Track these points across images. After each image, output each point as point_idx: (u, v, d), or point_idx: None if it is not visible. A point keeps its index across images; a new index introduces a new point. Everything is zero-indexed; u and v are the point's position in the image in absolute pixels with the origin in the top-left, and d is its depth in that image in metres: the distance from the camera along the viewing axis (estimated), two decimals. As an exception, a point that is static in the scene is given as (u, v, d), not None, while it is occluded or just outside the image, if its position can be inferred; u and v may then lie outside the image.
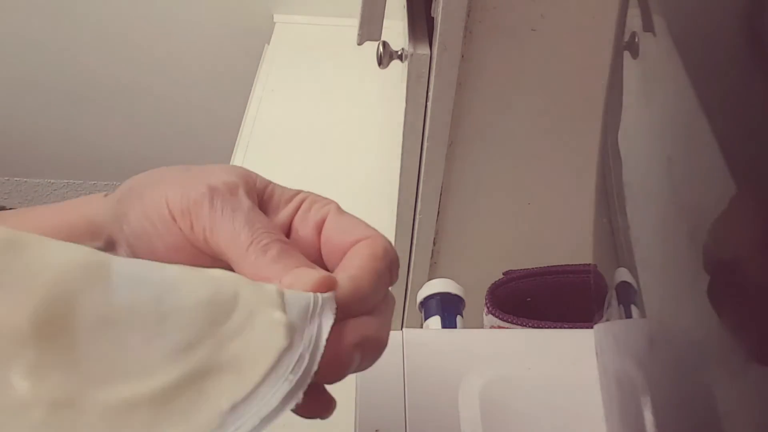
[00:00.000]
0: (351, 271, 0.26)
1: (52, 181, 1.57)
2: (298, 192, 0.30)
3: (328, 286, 0.25)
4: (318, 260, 0.29)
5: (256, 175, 0.30)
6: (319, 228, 0.29)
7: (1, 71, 1.37)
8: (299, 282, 0.25)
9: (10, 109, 1.43)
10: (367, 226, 0.29)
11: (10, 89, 1.40)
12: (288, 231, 0.30)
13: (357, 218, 0.29)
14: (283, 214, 0.29)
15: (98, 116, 1.45)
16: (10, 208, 0.36)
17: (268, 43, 1.29)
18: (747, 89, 0.19)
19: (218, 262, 0.27)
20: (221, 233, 0.27)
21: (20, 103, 1.42)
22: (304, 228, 0.29)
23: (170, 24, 1.30)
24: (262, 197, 0.30)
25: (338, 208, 0.30)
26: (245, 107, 1.19)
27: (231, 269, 0.27)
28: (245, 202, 0.28)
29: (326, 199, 0.30)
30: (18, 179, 1.56)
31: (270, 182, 0.31)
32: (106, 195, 0.31)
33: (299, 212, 0.30)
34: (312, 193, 0.31)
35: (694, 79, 0.23)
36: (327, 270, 0.27)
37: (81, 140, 1.49)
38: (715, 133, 0.21)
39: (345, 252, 0.28)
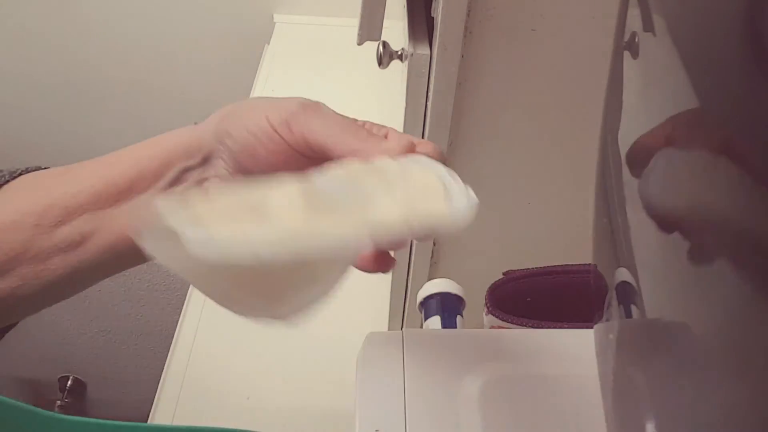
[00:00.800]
0: (427, 148, 0.36)
1: (52, 181, 1.57)
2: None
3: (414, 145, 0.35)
4: None
5: None
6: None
7: (1, 71, 1.37)
8: (402, 141, 0.34)
9: (10, 109, 1.43)
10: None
11: (10, 89, 1.40)
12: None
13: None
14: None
15: (98, 116, 1.45)
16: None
17: (268, 43, 1.29)
18: (747, 89, 0.19)
19: (311, 160, 0.35)
20: (319, 129, 0.35)
21: (20, 103, 1.42)
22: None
23: (170, 24, 1.30)
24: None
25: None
26: (245, 107, 1.19)
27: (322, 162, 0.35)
28: (331, 110, 0.36)
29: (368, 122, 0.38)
30: (18, 179, 1.56)
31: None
32: (196, 123, 0.39)
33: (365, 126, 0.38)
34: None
35: (694, 79, 0.23)
36: None
37: (81, 140, 1.49)
38: (715, 132, 0.21)
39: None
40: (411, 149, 0.35)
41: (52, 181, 0.38)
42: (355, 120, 0.37)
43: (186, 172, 0.38)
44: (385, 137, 0.37)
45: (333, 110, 0.36)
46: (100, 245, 0.36)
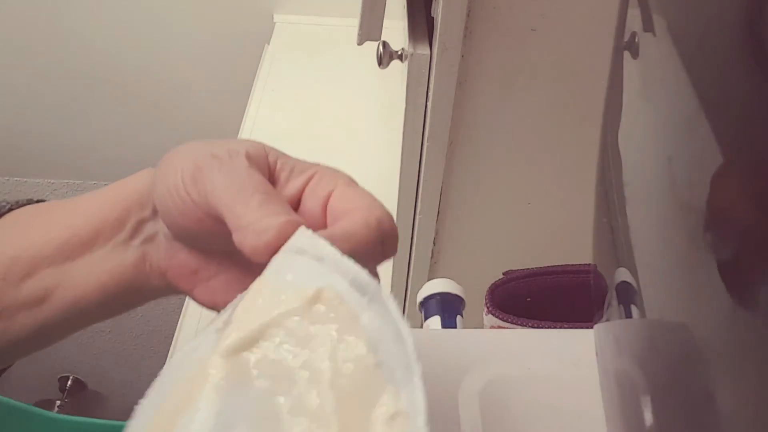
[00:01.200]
0: (335, 230, 0.26)
1: (52, 181, 1.57)
2: (313, 165, 0.31)
3: (295, 225, 0.26)
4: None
5: (271, 148, 0.31)
6: (326, 201, 0.29)
7: (1, 71, 1.37)
8: (270, 222, 0.26)
9: (10, 109, 1.43)
10: (372, 198, 0.28)
11: (10, 89, 1.40)
12: (297, 203, 0.30)
13: (365, 191, 0.29)
14: (292, 186, 0.30)
15: (98, 116, 1.45)
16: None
17: (268, 43, 1.29)
18: (747, 89, 0.19)
19: (222, 224, 0.28)
20: (219, 188, 0.28)
21: (20, 103, 1.42)
22: (312, 200, 0.30)
23: (170, 24, 1.30)
24: (274, 168, 0.30)
25: (348, 181, 0.30)
26: (245, 107, 1.19)
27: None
28: (242, 163, 0.29)
29: (339, 172, 0.30)
30: (18, 179, 1.56)
31: (286, 156, 0.31)
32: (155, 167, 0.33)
33: (309, 185, 0.30)
34: (327, 167, 0.31)
35: (694, 79, 0.23)
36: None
37: (81, 140, 1.49)
38: (715, 133, 0.21)
39: (345, 213, 0.28)
40: (282, 235, 0.26)
41: (21, 230, 0.36)
42: (260, 182, 0.28)
43: (141, 223, 0.34)
44: (305, 184, 0.30)
45: (247, 165, 0.29)
46: (63, 301, 0.34)
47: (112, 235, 0.34)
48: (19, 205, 0.38)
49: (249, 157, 0.29)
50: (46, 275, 0.34)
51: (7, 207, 0.38)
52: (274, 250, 0.26)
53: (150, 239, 0.34)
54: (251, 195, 0.27)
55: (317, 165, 0.31)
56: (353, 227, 0.27)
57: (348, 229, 0.26)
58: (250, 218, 0.26)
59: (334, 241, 0.25)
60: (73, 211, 0.35)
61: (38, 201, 0.39)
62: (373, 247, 0.27)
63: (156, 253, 0.35)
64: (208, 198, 0.28)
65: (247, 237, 0.26)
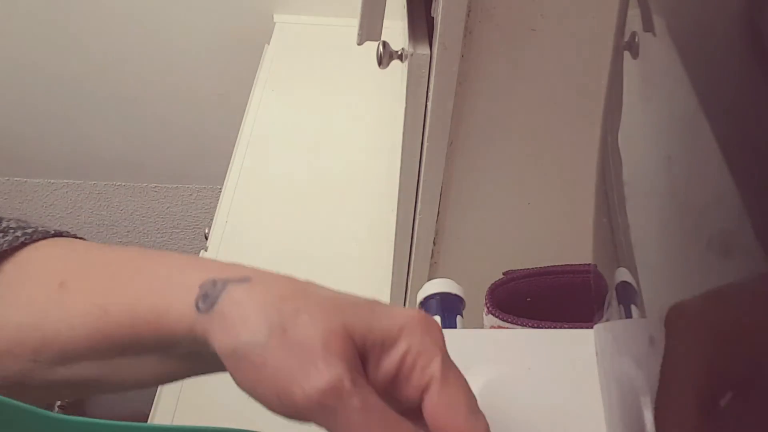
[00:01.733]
0: None
1: (52, 181, 1.57)
2: (400, 332, 0.28)
3: None
4: (419, 415, 0.28)
5: (356, 321, 0.28)
6: (422, 390, 0.28)
7: (1, 71, 1.37)
8: None
9: (10, 110, 1.43)
10: (471, 406, 0.28)
11: (10, 89, 1.40)
12: (391, 383, 0.28)
13: (460, 388, 0.28)
14: (386, 368, 0.28)
15: (98, 116, 1.45)
16: (74, 235, 0.34)
17: (268, 43, 1.29)
18: (747, 89, 0.19)
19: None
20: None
21: (20, 103, 1.42)
22: (407, 388, 0.28)
23: (170, 24, 1.30)
24: (362, 347, 0.28)
25: (441, 367, 0.28)
26: (245, 107, 1.19)
27: None
28: (359, 402, 0.26)
29: (428, 349, 0.28)
30: (18, 179, 1.56)
31: (369, 325, 0.28)
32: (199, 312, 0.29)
33: (403, 369, 0.28)
34: (413, 337, 0.28)
35: (694, 79, 0.23)
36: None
37: (81, 140, 1.49)
38: (715, 133, 0.21)
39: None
40: None
41: (44, 298, 0.31)
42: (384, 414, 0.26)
43: (195, 353, 0.30)
44: (400, 364, 0.28)
45: (352, 369, 0.26)
46: (117, 386, 0.32)
47: (159, 351, 0.31)
48: (38, 236, 0.33)
49: (353, 380, 0.26)
50: (85, 367, 0.31)
51: (21, 237, 0.33)
52: None
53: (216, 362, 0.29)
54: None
55: (404, 330, 0.28)
56: None
57: None
58: None
59: None
60: (102, 306, 0.30)
61: (61, 234, 0.34)
62: None
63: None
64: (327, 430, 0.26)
65: None
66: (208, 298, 0.28)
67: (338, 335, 0.27)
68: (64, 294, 0.31)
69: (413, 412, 0.28)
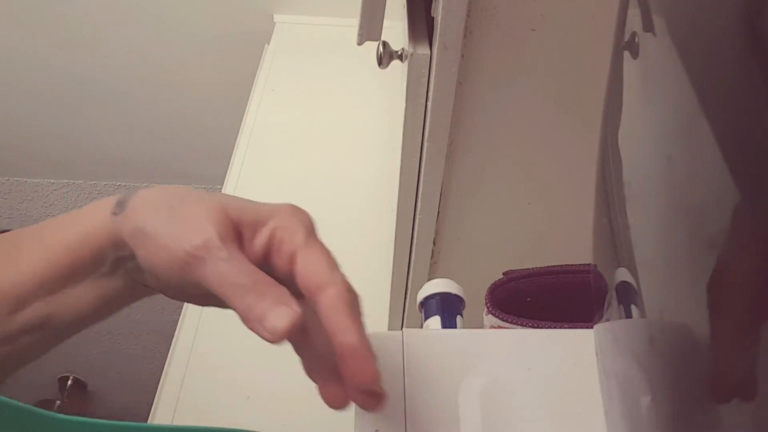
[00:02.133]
0: (347, 335, 0.32)
1: (52, 181, 1.57)
2: (270, 215, 0.35)
3: (295, 317, 0.32)
4: (293, 282, 0.34)
5: (228, 202, 0.35)
6: (291, 259, 0.34)
7: (2, 72, 1.37)
8: (275, 322, 0.31)
9: (10, 110, 1.43)
10: (331, 265, 0.34)
11: (9, 89, 1.40)
12: (264, 257, 0.35)
13: (322, 252, 0.34)
14: (258, 244, 0.35)
15: (98, 116, 1.45)
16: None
17: (268, 43, 1.29)
18: (747, 89, 0.19)
19: (211, 297, 0.33)
20: (212, 285, 0.32)
21: (20, 103, 1.42)
22: (279, 260, 0.34)
23: (170, 24, 1.30)
24: (238, 226, 0.35)
25: (305, 238, 0.34)
26: (245, 107, 1.19)
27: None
28: (223, 255, 0.32)
29: (294, 225, 0.35)
30: (18, 179, 1.56)
31: (242, 207, 0.35)
32: (115, 214, 0.36)
33: (274, 242, 0.35)
34: (284, 215, 0.35)
35: (694, 79, 0.23)
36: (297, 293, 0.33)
37: (81, 140, 1.49)
38: (715, 132, 0.21)
39: (315, 290, 0.33)
40: (289, 329, 0.31)
41: None
42: (249, 267, 0.33)
43: (120, 260, 0.36)
44: (269, 242, 0.34)
45: (227, 254, 0.32)
46: (63, 322, 0.37)
47: (93, 269, 0.36)
48: None
49: (222, 238, 0.33)
50: (37, 308, 0.36)
51: None
52: (286, 337, 0.31)
53: (135, 270, 0.37)
54: (247, 291, 0.32)
55: (274, 213, 0.35)
56: (348, 319, 0.32)
57: (348, 323, 0.32)
58: (256, 312, 0.31)
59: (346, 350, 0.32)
60: (44, 248, 0.36)
61: None
62: (355, 315, 0.33)
63: (143, 276, 0.37)
64: (205, 286, 0.33)
65: (260, 331, 0.31)
66: (120, 204, 0.36)
67: (215, 210, 0.34)
68: (12, 250, 0.37)
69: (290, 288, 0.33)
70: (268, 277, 0.33)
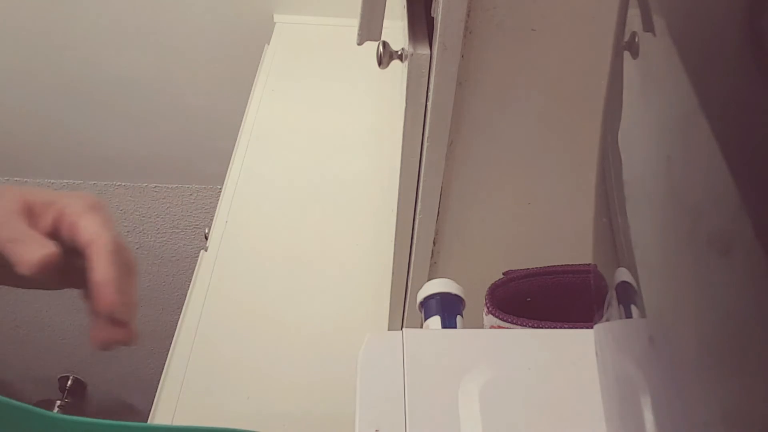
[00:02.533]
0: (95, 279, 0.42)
1: (52, 181, 1.57)
2: (60, 198, 0.45)
3: (52, 255, 0.41)
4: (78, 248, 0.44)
5: (27, 192, 0.45)
6: (73, 227, 0.44)
7: (1, 72, 1.37)
8: (33, 255, 0.41)
9: (10, 109, 1.43)
10: (101, 227, 0.44)
11: (9, 89, 1.40)
12: (54, 228, 0.44)
13: (96, 218, 0.44)
14: (49, 217, 0.45)
15: (98, 116, 1.45)
16: None
17: (268, 43, 1.29)
18: (747, 89, 0.19)
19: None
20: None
21: (20, 103, 1.42)
22: (64, 229, 0.44)
23: (170, 24, 1.30)
24: (32, 206, 0.44)
25: (84, 210, 0.45)
26: (245, 107, 1.19)
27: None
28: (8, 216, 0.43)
29: (76, 202, 0.45)
30: (18, 179, 1.56)
31: (37, 192, 0.45)
32: None
33: (59, 217, 0.44)
34: (69, 199, 0.45)
35: (694, 79, 0.23)
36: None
37: (81, 140, 1.49)
38: (715, 132, 0.21)
39: (86, 244, 0.43)
40: (45, 260, 0.43)
41: None
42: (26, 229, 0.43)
43: None
44: (58, 216, 0.45)
45: (17, 210, 0.44)
46: None
47: None
48: None
49: (10, 212, 0.42)
50: None
51: None
52: (42, 267, 0.41)
53: None
54: (18, 242, 0.42)
55: (64, 197, 0.45)
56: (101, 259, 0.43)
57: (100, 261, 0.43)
58: (21, 254, 0.41)
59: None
60: None
61: None
62: (111, 262, 0.43)
63: None
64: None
65: (21, 267, 0.41)
66: None
67: (14, 200, 0.43)
68: None
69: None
70: (37, 233, 0.42)
